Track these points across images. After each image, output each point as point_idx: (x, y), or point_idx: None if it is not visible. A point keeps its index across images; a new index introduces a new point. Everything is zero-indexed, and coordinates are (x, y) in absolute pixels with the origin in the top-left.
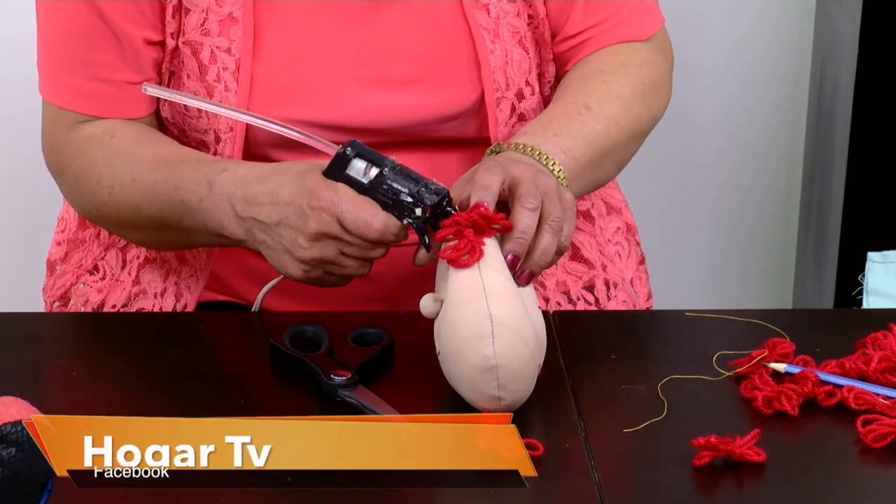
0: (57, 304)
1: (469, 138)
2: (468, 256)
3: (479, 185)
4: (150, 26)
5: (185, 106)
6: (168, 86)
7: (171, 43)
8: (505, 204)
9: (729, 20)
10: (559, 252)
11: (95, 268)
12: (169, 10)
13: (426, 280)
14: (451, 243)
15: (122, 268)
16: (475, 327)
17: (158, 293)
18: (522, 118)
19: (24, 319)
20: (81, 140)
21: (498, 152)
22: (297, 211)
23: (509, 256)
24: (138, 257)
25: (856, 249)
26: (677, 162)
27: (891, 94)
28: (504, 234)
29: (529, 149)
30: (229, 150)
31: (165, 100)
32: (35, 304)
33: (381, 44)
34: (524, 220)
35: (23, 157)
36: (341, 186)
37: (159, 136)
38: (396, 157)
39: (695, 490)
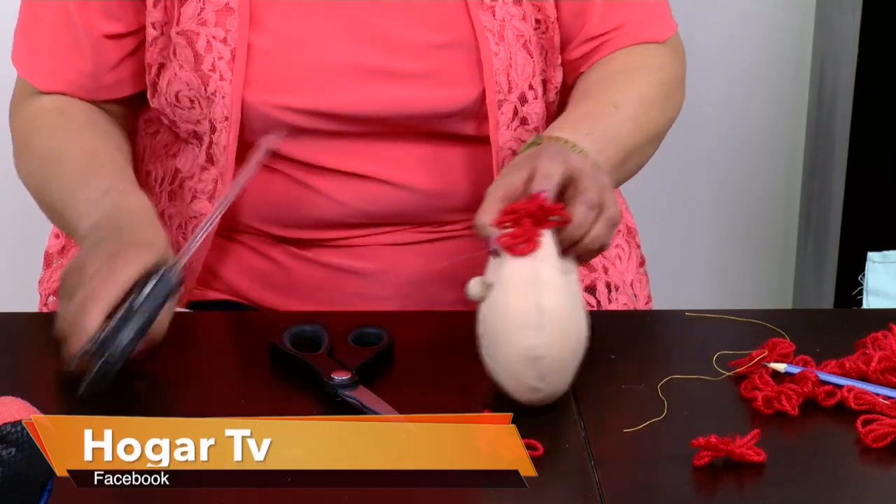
0: (52, 297)
1: (469, 136)
2: (524, 245)
3: (542, 174)
4: (116, 19)
5: (177, 96)
6: (157, 76)
7: (152, 33)
8: (561, 193)
9: (729, 20)
10: (602, 248)
11: None
12: (150, 0)
13: (427, 280)
14: (508, 230)
15: None
16: (524, 316)
17: None
18: (525, 122)
19: (24, 319)
20: (34, 110)
21: (538, 144)
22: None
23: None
24: None
25: (856, 249)
26: (677, 162)
27: (891, 94)
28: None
29: (572, 145)
30: (224, 140)
31: (154, 90)
32: (34, 303)
33: (381, 36)
34: (581, 214)
35: None
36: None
37: (105, 128)
38: (400, 150)
39: (695, 490)
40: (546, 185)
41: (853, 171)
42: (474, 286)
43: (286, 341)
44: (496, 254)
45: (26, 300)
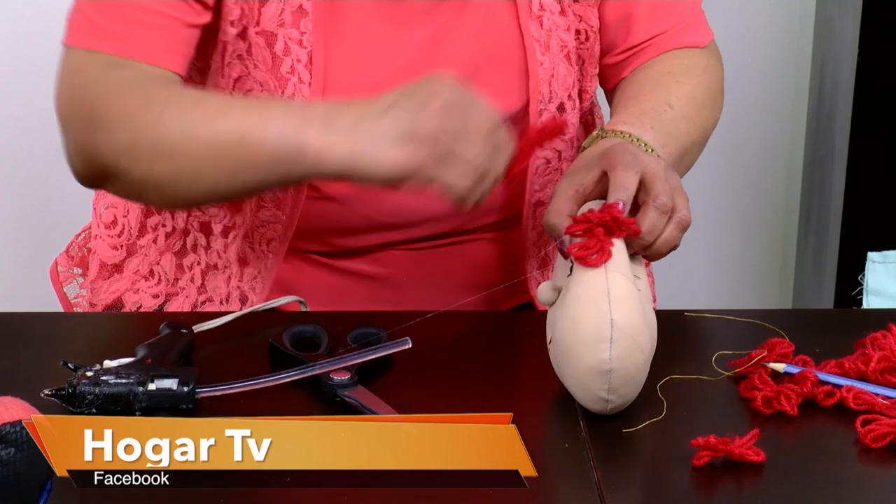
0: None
1: None
2: (596, 256)
3: (618, 185)
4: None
5: (245, 96)
6: (234, 81)
7: (230, 31)
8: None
9: (728, 20)
10: (672, 249)
11: (151, 273)
12: None
13: (431, 281)
14: (580, 240)
15: (183, 274)
16: (595, 329)
17: (224, 299)
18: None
19: (24, 319)
20: (121, 79)
21: (603, 137)
22: (426, 85)
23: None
24: (199, 263)
25: (856, 249)
26: None
27: (891, 94)
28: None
29: (635, 139)
30: None
31: (226, 78)
32: (35, 303)
33: (434, 46)
34: (652, 220)
35: (23, 157)
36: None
37: None
38: None
39: (694, 490)
40: (622, 196)
41: (853, 171)
42: (545, 291)
43: (286, 341)
44: (565, 256)
45: (26, 300)
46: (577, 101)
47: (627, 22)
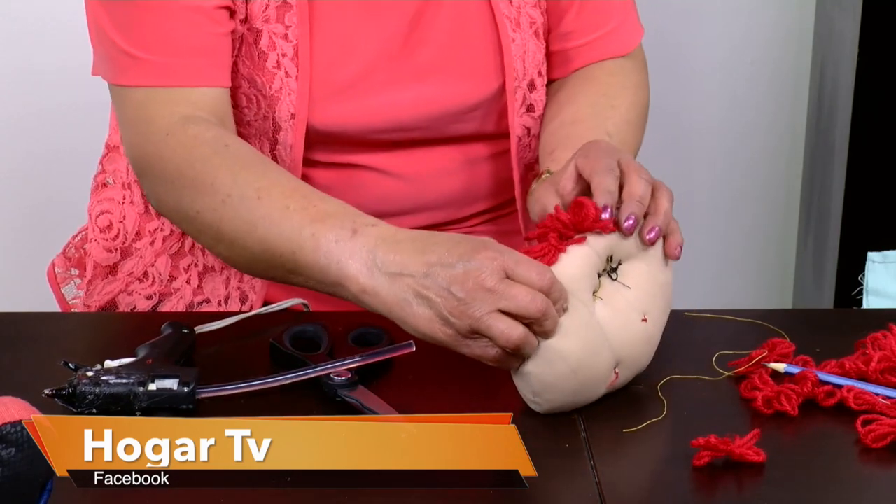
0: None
1: (490, 132)
2: (541, 260)
3: (602, 190)
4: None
5: (233, 93)
6: None
7: (239, 30)
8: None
9: (729, 19)
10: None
11: (145, 275)
12: None
13: None
14: (534, 245)
15: (179, 275)
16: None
17: (222, 300)
18: (531, 109)
19: (24, 319)
20: (189, 137)
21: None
22: (454, 256)
23: (630, 220)
24: (196, 265)
25: (856, 249)
26: (677, 162)
27: (891, 94)
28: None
29: None
30: (291, 139)
31: None
32: (34, 303)
33: (410, 34)
34: (640, 186)
35: (23, 157)
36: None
37: (270, 163)
38: (427, 154)
39: (695, 490)
40: (609, 200)
41: (853, 171)
42: None
43: (286, 341)
44: None
45: (26, 300)
46: (546, 78)
47: (564, 8)
